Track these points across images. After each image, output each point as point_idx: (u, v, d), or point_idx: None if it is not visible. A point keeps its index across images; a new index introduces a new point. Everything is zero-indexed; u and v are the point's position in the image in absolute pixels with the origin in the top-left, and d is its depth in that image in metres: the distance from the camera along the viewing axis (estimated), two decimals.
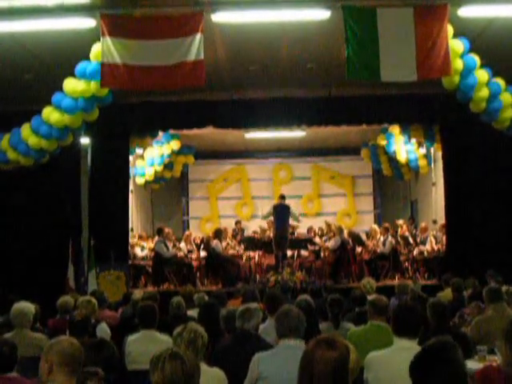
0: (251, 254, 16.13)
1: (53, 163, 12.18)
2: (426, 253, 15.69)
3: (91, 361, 4.34)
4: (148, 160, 17.78)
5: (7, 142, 11.54)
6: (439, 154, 15.80)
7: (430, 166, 17.76)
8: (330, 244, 15.63)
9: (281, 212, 15.55)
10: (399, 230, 16.79)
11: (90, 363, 4.31)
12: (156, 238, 16.12)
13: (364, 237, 16.96)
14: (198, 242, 17.01)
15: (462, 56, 9.67)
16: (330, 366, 2.95)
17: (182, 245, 16.40)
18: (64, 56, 10.69)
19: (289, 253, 15.83)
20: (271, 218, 16.16)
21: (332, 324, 7.11)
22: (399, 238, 16.20)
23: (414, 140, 16.79)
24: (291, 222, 15.94)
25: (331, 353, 2.98)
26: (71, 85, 10.07)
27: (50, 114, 10.58)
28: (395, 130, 16.83)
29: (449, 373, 3.00)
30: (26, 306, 6.92)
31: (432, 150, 17.14)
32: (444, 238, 15.07)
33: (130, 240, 15.90)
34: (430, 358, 3.09)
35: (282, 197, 16.02)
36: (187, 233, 17.80)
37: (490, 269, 11.15)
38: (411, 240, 16.24)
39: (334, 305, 7.24)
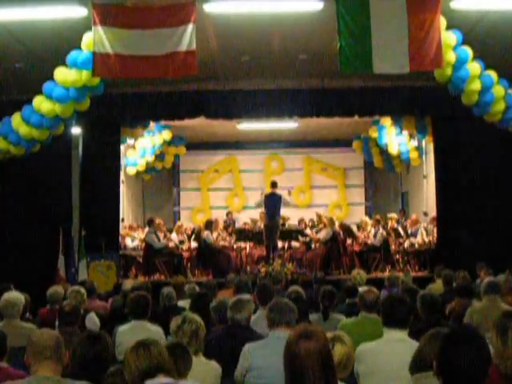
0: (242, 245, 16.13)
1: (44, 153, 12.13)
2: (416, 245, 15.75)
3: (85, 353, 4.33)
4: (139, 150, 17.72)
5: None
6: (431, 146, 15.84)
7: (422, 159, 17.79)
8: (321, 235, 15.63)
9: (272, 202, 15.37)
10: (389, 222, 16.83)
11: (84, 356, 4.30)
12: (147, 228, 16.09)
13: (355, 228, 16.99)
14: (189, 232, 17.01)
15: (454, 48, 9.65)
16: (315, 356, 2.96)
17: (173, 235, 16.40)
18: (55, 45, 10.62)
19: (280, 244, 15.82)
20: (262, 209, 16.14)
21: (322, 315, 7.13)
22: (390, 230, 16.24)
23: (405, 132, 16.79)
24: (283, 211, 15.88)
25: (312, 343, 2.99)
26: (62, 74, 10.00)
27: (41, 104, 10.52)
28: (387, 121, 16.84)
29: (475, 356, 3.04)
30: (16, 296, 6.90)
31: (424, 142, 17.17)
32: (435, 230, 15.12)
33: (121, 230, 15.90)
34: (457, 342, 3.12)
35: (273, 184, 15.71)
36: (178, 223, 17.82)
37: (480, 261, 11.19)
38: (402, 232, 16.29)
39: (326, 297, 7.26)
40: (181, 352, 4.26)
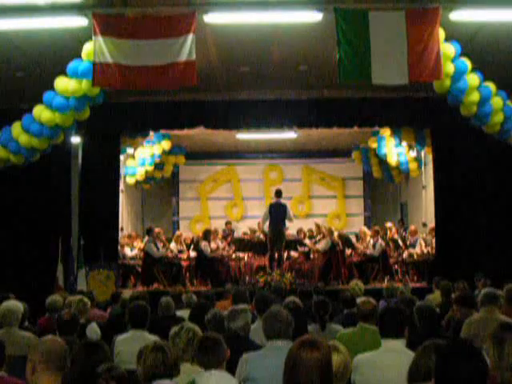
0: (241, 255, 16.12)
1: (43, 162, 12.14)
2: (415, 255, 15.74)
3: (83, 363, 4.33)
4: (139, 160, 17.76)
5: None
6: (430, 157, 15.86)
7: (421, 169, 17.83)
8: (320, 246, 15.62)
9: (276, 211, 15.26)
10: (388, 232, 16.84)
11: (82, 365, 4.30)
12: (146, 237, 16.09)
13: (354, 239, 16.98)
14: (188, 242, 16.99)
15: (453, 60, 9.69)
16: (316, 367, 2.97)
17: (173, 245, 16.39)
18: (55, 55, 10.68)
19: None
20: (259, 219, 16.13)
21: (319, 326, 7.12)
22: (389, 241, 16.23)
23: (404, 143, 16.82)
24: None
25: (316, 353, 3.00)
26: (63, 84, 10.04)
27: (41, 113, 10.55)
28: (386, 132, 16.88)
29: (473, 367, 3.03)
30: (15, 305, 6.89)
31: (423, 153, 17.21)
32: (433, 241, 15.11)
33: (120, 239, 15.89)
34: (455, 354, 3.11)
35: (278, 193, 15.56)
36: (177, 233, 17.79)
37: (478, 272, 11.19)
38: (401, 243, 16.28)
39: (320, 307, 7.24)
40: (213, 344, 4.52)
